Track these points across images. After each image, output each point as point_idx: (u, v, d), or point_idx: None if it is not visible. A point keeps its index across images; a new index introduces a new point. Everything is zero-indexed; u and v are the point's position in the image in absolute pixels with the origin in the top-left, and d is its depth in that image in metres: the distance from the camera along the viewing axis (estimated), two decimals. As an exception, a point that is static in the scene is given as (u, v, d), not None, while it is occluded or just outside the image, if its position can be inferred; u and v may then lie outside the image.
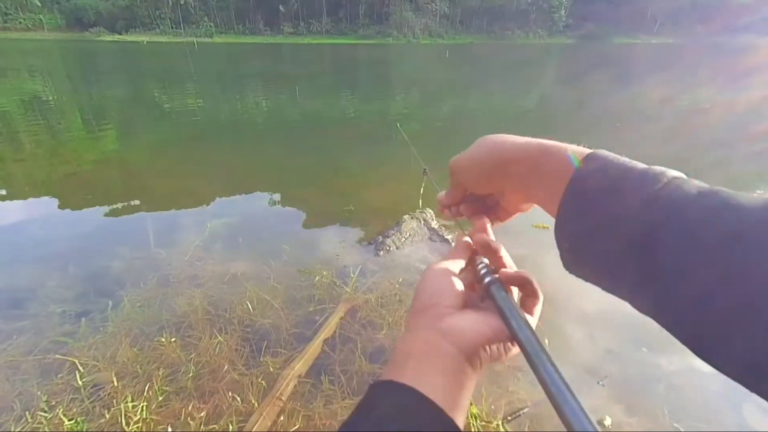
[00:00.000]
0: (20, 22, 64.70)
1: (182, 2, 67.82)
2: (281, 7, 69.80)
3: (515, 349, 0.32)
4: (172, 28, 69.22)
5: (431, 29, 67.53)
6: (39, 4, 66.14)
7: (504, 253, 0.39)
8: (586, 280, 0.31)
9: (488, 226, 0.42)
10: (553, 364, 0.27)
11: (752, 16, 57.67)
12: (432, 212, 3.86)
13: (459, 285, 0.36)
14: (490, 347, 0.31)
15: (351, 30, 68.63)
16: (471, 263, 0.40)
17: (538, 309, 0.36)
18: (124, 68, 21.82)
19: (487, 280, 0.35)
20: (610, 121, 8.62)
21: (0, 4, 62.20)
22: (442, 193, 0.45)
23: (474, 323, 0.32)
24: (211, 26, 69.34)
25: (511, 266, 0.38)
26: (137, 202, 4.11)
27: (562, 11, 66.25)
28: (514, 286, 0.37)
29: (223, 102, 11.32)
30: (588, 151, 0.31)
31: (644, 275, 0.26)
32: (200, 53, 35.41)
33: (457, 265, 0.39)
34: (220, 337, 2.10)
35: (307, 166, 5.55)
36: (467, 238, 0.42)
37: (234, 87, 14.80)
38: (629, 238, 0.26)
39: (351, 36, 66.34)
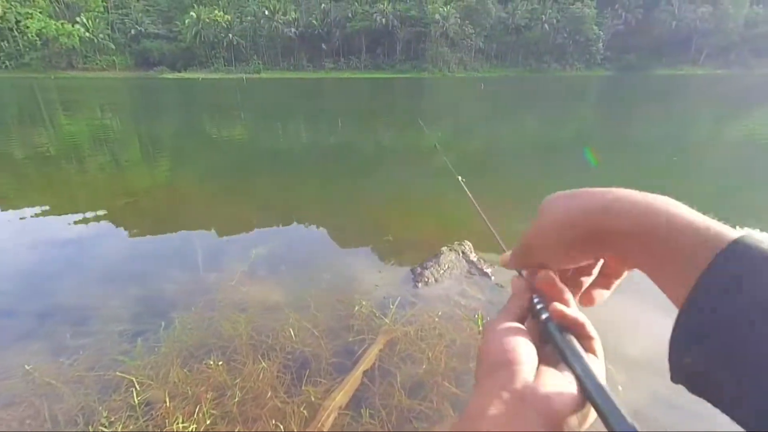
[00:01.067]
0: (97, 63, 73.50)
1: (235, 43, 74.19)
2: (323, 45, 74.48)
3: (593, 415, 0.28)
4: (225, 65, 75.56)
5: (466, 63, 69.10)
6: (113, 48, 74.91)
7: (571, 300, 0.34)
8: (705, 398, 0.26)
9: (557, 281, 0.36)
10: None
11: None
12: (470, 245, 3.83)
13: (529, 340, 0.32)
14: (576, 416, 0.27)
15: (388, 65, 71.65)
16: (533, 313, 0.36)
17: (600, 351, 0.32)
18: (181, 102, 23.91)
19: (558, 339, 0.32)
20: (662, 153, 8.27)
21: (82, 48, 71.16)
22: (507, 254, 0.39)
23: (559, 387, 0.28)
24: (259, 63, 75.01)
25: (593, 334, 0.33)
26: (188, 228, 4.40)
27: (600, 44, 65.67)
28: (569, 331, 0.33)
29: (267, 132, 12.05)
30: (729, 234, 0.25)
31: None
32: (248, 87, 38.19)
33: (517, 316, 0.35)
34: (263, 363, 2.15)
35: (346, 195, 5.73)
36: (527, 291, 0.37)
37: (277, 118, 15.74)
38: None
39: (388, 70, 69.18)
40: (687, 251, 0.26)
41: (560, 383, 0.28)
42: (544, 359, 0.31)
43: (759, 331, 0.22)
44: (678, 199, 0.29)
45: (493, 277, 3.42)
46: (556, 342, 0.32)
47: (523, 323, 0.34)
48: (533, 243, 0.35)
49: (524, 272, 0.39)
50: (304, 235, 4.30)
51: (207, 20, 71.66)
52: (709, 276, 0.24)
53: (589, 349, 0.32)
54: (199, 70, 72.93)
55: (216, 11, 73.49)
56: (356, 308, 2.74)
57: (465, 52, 69.95)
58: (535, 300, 0.35)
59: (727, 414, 0.24)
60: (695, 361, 0.25)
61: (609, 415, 0.25)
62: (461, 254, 3.76)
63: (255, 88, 37.16)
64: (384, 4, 70.17)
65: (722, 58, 59.64)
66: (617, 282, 0.37)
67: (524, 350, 0.30)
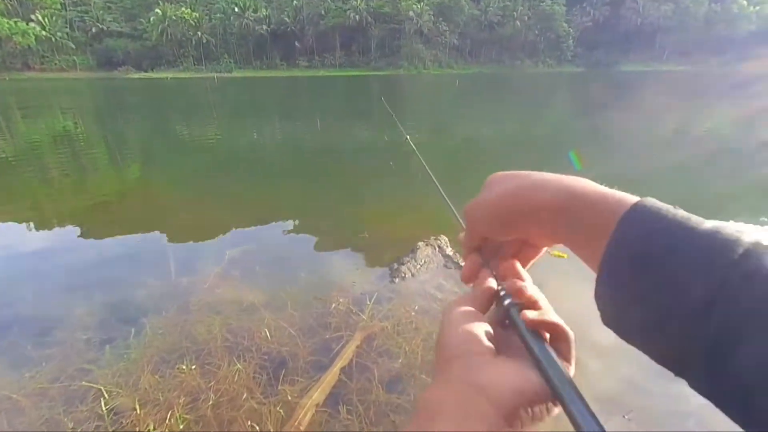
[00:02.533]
0: (55, 64, 69.57)
1: (204, 41, 72.02)
2: (297, 43, 73.37)
3: (557, 409, 0.28)
4: (195, 65, 73.21)
5: (441, 60, 69.69)
6: (73, 47, 71.14)
7: (532, 288, 0.34)
8: (627, 340, 0.28)
9: (517, 265, 0.38)
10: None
11: (760, 45, 57.95)
12: (447, 239, 3.89)
13: (488, 328, 0.32)
14: (532, 407, 0.27)
15: (363, 62, 71.37)
16: (496, 301, 0.35)
17: (573, 354, 0.32)
18: (148, 103, 23.04)
19: (520, 326, 0.31)
20: (627, 146, 8.63)
21: (38, 48, 67.09)
22: (461, 235, 0.41)
23: (514, 378, 0.28)
24: (230, 62, 73.11)
25: (544, 306, 0.34)
26: (158, 231, 4.27)
27: (570, 41, 67.73)
28: (543, 330, 0.32)
29: (240, 133, 11.79)
30: (631, 199, 0.27)
31: (714, 380, 0.22)
32: (220, 87, 37.20)
33: (480, 304, 0.35)
34: (238, 365, 2.12)
35: (321, 194, 5.69)
36: (488, 275, 0.37)
37: (250, 118, 15.42)
38: (687, 335, 0.23)
39: (363, 68, 68.91)
40: (598, 221, 0.28)
41: (515, 372, 0.28)
42: (505, 348, 0.31)
43: (658, 276, 0.24)
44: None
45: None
46: (519, 330, 0.31)
47: (485, 310, 0.34)
48: (473, 214, 0.37)
49: (484, 257, 0.39)
50: (279, 234, 4.25)
51: (174, 17, 69.16)
52: (614, 241, 0.26)
53: (564, 352, 0.32)
54: (167, 69, 70.34)
55: (183, 8, 71.03)
56: (333, 305, 2.74)
57: (440, 49, 70.53)
58: (498, 287, 0.35)
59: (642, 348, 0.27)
60: (614, 311, 0.28)
61: (576, 413, 0.25)
62: (437, 249, 3.81)
63: (227, 88, 36.25)
64: (357, 1, 69.82)
65: (684, 55, 62.61)
66: (533, 261, 0.40)
67: (482, 339, 0.30)
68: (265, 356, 2.24)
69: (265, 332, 2.37)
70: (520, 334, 0.31)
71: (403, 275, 3.34)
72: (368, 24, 69.01)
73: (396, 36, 69.46)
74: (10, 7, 68.47)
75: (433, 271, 3.51)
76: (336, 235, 4.12)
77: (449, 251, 3.79)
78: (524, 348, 0.30)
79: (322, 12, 71.03)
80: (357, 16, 68.81)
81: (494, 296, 0.35)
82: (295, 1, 73.17)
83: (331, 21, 70.26)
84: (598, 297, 0.28)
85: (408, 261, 3.51)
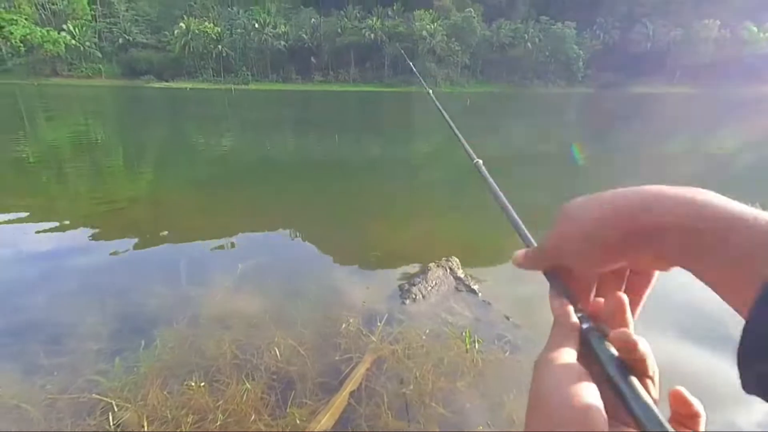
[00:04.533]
0: (82, 71, 72.37)
1: (224, 54, 74.24)
2: (313, 59, 75.13)
3: None
4: (214, 76, 75.35)
5: (453, 79, 70.55)
6: (100, 56, 74.01)
7: (646, 349, 0.28)
8: None
9: (626, 303, 0.31)
10: None
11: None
12: (457, 261, 3.85)
13: (596, 391, 0.26)
14: None
15: (376, 78, 72.58)
16: (586, 349, 0.29)
17: (656, 393, 0.28)
18: (167, 112, 23.67)
19: (623, 387, 0.26)
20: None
21: (67, 55, 70.00)
22: (520, 252, 0.36)
23: None
24: (248, 74, 75.06)
25: (651, 367, 0.28)
26: (172, 239, 4.31)
27: (580, 63, 68.20)
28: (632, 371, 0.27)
29: (256, 143, 12.00)
30: None
31: None
32: (237, 98, 38.10)
33: (571, 355, 0.28)
34: (247, 384, 2.10)
35: (334, 209, 5.72)
36: (573, 315, 0.31)
37: (266, 129, 15.70)
38: None
39: (376, 84, 70.06)
40: (742, 250, 0.23)
41: None
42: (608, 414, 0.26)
43: None
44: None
45: (480, 294, 3.43)
46: (619, 389, 0.26)
47: (577, 357, 0.29)
48: (563, 245, 0.32)
49: (562, 291, 0.33)
50: (291, 248, 4.26)
51: (197, 32, 71.66)
52: None
53: (646, 389, 0.26)
54: (187, 80, 72.50)
55: (206, 23, 73.62)
56: (343, 326, 2.71)
57: (451, 68, 71.48)
58: (584, 326, 0.30)
59: None
60: None
61: None
62: (448, 270, 3.77)
63: (244, 99, 37.10)
64: (373, 21, 71.51)
65: (694, 78, 62.84)
66: (647, 292, 0.33)
67: (598, 410, 0.25)
68: (274, 376, 2.22)
69: (275, 351, 2.35)
70: (620, 391, 0.26)
71: (413, 297, 3.30)
72: (383, 42, 70.46)
73: (409, 55, 70.65)
74: (43, 17, 72.00)
75: (443, 293, 3.47)
76: (348, 252, 4.11)
77: (460, 273, 3.74)
78: (626, 409, 0.25)
79: (339, 30, 72.85)
80: (372, 35, 70.36)
81: (581, 336, 0.30)
82: (313, 19, 75.24)
83: (347, 39, 71.95)
84: (748, 351, 0.23)
85: (419, 282, 3.47)
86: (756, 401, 0.22)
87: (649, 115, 24.31)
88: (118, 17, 79.13)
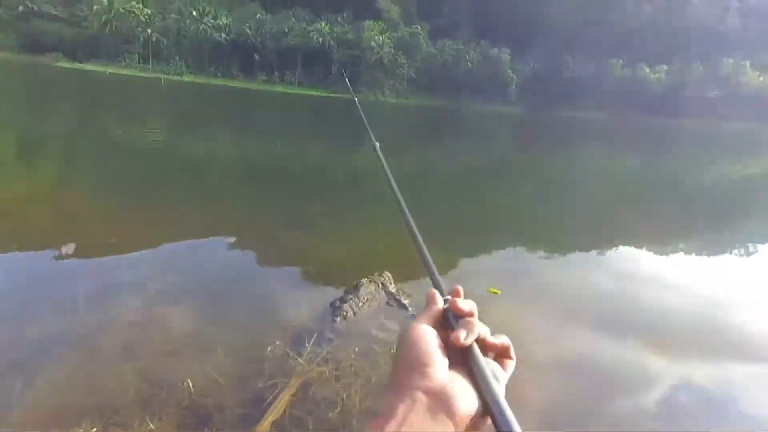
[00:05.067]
0: (-34, 39, 60.94)
1: (154, 39, 68.06)
2: (256, 56, 72.03)
3: (489, 422, 0.33)
4: (140, 62, 68.46)
5: (399, 90, 72.33)
6: (-6, 24, 63.28)
7: (464, 303, 0.40)
8: None
9: (461, 290, 0.44)
10: None
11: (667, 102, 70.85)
12: (390, 276, 3.89)
13: (440, 344, 0.37)
14: (475, 420, 0.33)
15: (322, 83, 71.76)
16: (444, 322, 0.41)
17: (510, 367, 0.39)
18: (80, 98, 20.97)
19: (474, 351, 0.37)
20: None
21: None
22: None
23: (466, 393, 0.33)
24: (182, 65, 69.50)
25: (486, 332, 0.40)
26: (70, 250, 3.75)
27: (513, 85, 74.49)
28: (496, 352, 0.39)
29: (184, 141, 11.12)
30: None
31: None
32: (167, 89, 35.08)
33: (434, 322, 0.40)
34: (151, 425, 1.88)
35: (266, 220, 5.46)
36: (439, 297, 0.43)
37: (199, 126, 14.64)
38: None
39: (322, 89, 69.24)
40: None
41: (467, 388, 0.34)
42: (452, 364, 0.36)
43: None
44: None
45: (410, 309, 3.50)
46: (465, 350, 0.37)
47: (437, 327, 0.40)
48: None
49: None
50: (214, 260, 3.95)
51: (121, 10, 64.73)
52: None
53: (505, 355, 0.39)
54: (106, 62, 64.85)
55: (133, 2, 66.92)
56: (269, 349, 2.58)
57: (398, 80, 73.23)
58: (445, 306, 0.42)
59: None
60: None
61: (502, 425, 0.31)
62: (381, 285, 3.80)
63: (176, 91, 34.31)
64: (321, 25, 70.81)
65: (605, 106, 73.17)
66: None
67: (438, 355, 0.36)
68: (187, 411, 2.03)
69: (188, 383, 2.15)
70: (467, 353, 0.36)
71: (344, 314, 3.26)
72: (331, 47, 70.02)
73: (357, 62, 71.10)
74: None
75: (375, 309, 3.48)
76: (279, 266, 3.95)
77: (392, 288, 3.79)
78: (468, 367, 0.36)
79: (286, 29, 70.89)
80: (320, 39, 69.57)
81: (443, 314, 0.42)
82: (258, 15, 72.29)
83: (294, 40, 70.23)
84: None
85: (351, 299, 3.44)
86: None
87: (574, 133, 27.11)
88: (20, -19, 68.48)
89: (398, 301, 3.67)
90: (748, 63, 73.44)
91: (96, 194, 5.70)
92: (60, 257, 3.65)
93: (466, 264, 4.49)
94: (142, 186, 6.44)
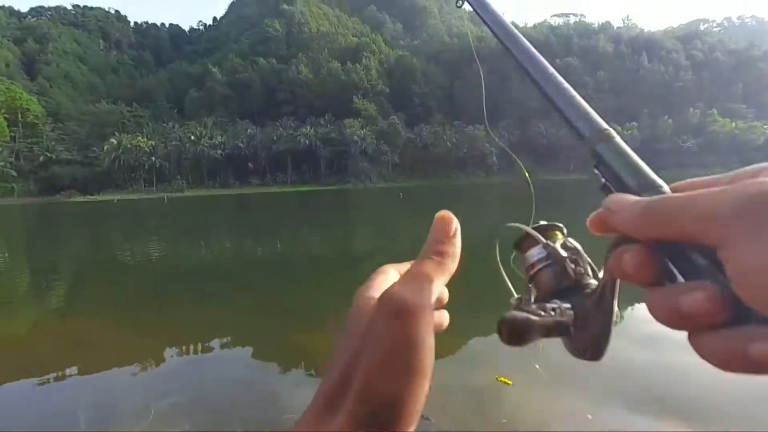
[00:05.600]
0: (-11, 191, 66.06)
1: (158, 165, 74.14)
2: (250, 164, 78.01)
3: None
4: (145, 186, 73.68)
5: (385, 175, 77.01)
6: (15, 174, 69.32)
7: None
8: None
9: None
10: None
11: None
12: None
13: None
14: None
15: (313, 179, 76.55)
16: None
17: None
18: (90, 227, 22.29)
19: None
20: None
21: (-27, 177, 64.02)
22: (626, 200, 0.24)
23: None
24: (182, 183, 74.67)
25: None
26: (71, 376, 3.78)
27: (494, 157, 79.29)
28: None
29: (185, 252, 11.75)
30: None
31: None
32: (170, 206, 37.13)
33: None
34: None
35: (269, 322, 5.35)
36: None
37: (197, 236, 15.47)
38: None
39: (313, 184, 73.59)
40: None
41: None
42: None
43: None
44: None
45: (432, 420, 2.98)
46: None
47: None
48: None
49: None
50: (221, 378, 3.75)
51: (128, 146, 71.73)
52: None
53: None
54: (114, 192, 69.80)
55: (139, 137, 74.50)
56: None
57: (383, 166, 78.47)
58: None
59: None
60: None
61: None
62: None
63: (177, 207, 36.31)
64: (307, 129, 78.31)
65: (584, 166, 76.38)
66: None
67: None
68: None
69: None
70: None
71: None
72: (317, 147, 76.30)
73: (343, 156, 76.97)
74: None
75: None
76: (286, 378, 3.67)
77: None
78: None
79: (275, 138, 78.04)
80: (307, 141, 76.25)
81: None
82: (249, 130, 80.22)
83: (283, 145, 76.92)
84: None
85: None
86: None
87: (569, 195, 28.28)
88: (41, 137, 77.07)
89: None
90: (715, 111, 78.23)
91: (100, 314, 5.99)
92: (61, 379, 3.76)
93: (468, 348, 3.92)
94: (145, 301, 6.76)
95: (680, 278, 0.21)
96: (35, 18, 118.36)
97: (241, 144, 77.15)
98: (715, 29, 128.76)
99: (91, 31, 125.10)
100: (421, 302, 0.25)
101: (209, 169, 76.59)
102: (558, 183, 55.25)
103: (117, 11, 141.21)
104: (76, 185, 71.38)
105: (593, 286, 0.26)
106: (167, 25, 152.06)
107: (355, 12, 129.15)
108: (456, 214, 0.30)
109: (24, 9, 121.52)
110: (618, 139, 0.28)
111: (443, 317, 0.33)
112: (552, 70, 0.35)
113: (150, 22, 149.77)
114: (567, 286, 0.27)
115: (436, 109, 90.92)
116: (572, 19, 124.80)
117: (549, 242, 0.29)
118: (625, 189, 0.25)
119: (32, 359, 4.36)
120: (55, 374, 3.87)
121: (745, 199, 0.18)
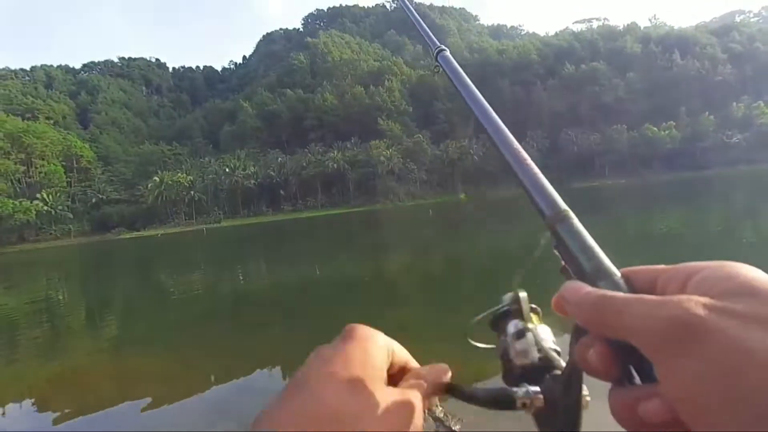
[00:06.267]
0: (50, 234, 71.54)
1: (196, 198, 78.35)
2: (282, 191, 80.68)
3: None
4: (186, 219, 77.86)
5: (414, 193, 77.05)
6: (71, 216, 75.27)
7: None
8: None
9: None
10: None
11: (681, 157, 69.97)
12: (436, 398, 3.79)
13: None
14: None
15: (343, 201, 77.83)
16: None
17: None
18: (137, 261, 23.68)
19: None
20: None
21: (37, 221, 69.27)
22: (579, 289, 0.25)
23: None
24: (219, 214, 78.31)
25: None
26: (123, 411, 3.95)
27: (524, 168, 77.98)
28: None
29: (224, 282, 12.10)
30: None
31: None
32: (209, 237, 38.88)
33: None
34: None
35: (309, 346, 5.35)
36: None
37: (235, 265, 15.95)
38: None
39: (343, 206, 74.76)
40: None
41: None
42: None
43: None
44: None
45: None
46: None
47: None
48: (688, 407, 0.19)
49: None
50: (263, 402, 3.88)
51: (170, 182, 76.52)
52: None
53: None
54: (158, 226, 74.19)
55: (179, 174, 79.35)
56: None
57: (411, 184, 78.62)
58: None
59: None
60: None
61: None
62: (425, 411, 3.72)
63: (216, 237, 37.92)
64: (335, 153, 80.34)
65: (620, 171, 72.79)
66: None
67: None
68: None
69: None
70: None
71: None
72: (345, 170, 77.89)
73: (371, 177, 77.97)
74: (18, 190, 73.46)
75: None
76: None
77: (439, 413, 3.66)
78: None
79: (304, 164, 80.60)
80: (335, 165, 78.09)
81: None
82: (279, 159, 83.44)
83: (313, 171, 79.17)
84: None
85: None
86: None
87: (599, 202, 27.05)
88: (93, 180, 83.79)
89: (447, 427, 3.56)
90: (761, 103, 73.13)
91: (148, 348, 6.19)
92: (114, 416, 3.92)
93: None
94: (192, 332, 6.94)
95: (637, 379, 0.22)
96: (87, 73, 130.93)
97: (272, 172, 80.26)
98: (752, 20, 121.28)
99: (134, 79, 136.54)
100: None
101: (243, 198, 79.96)
102: (594, 189, 53.02)
103: (157, 59, 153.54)
104: (124, 222, 76.73)
105: (562, 367, 0.27)
106: (201, 68, 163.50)
107: (375, 38, 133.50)
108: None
109: (77, 65, 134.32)
110: (575, 220, 0.29)
111: (438, 371, 0.32)
112: (518, 146, 0.38)
113: (186, 66, 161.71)
114: (539, 366, 0.29)
115: (461, 124, 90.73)
116: (595, 24, 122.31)
117: (527, 326, 0.30)
118: (582, 273, 0.26)
119: (83, 396, 4.53)
120: (106, 409, 4.05)
121: (671, 322, 0.19)
